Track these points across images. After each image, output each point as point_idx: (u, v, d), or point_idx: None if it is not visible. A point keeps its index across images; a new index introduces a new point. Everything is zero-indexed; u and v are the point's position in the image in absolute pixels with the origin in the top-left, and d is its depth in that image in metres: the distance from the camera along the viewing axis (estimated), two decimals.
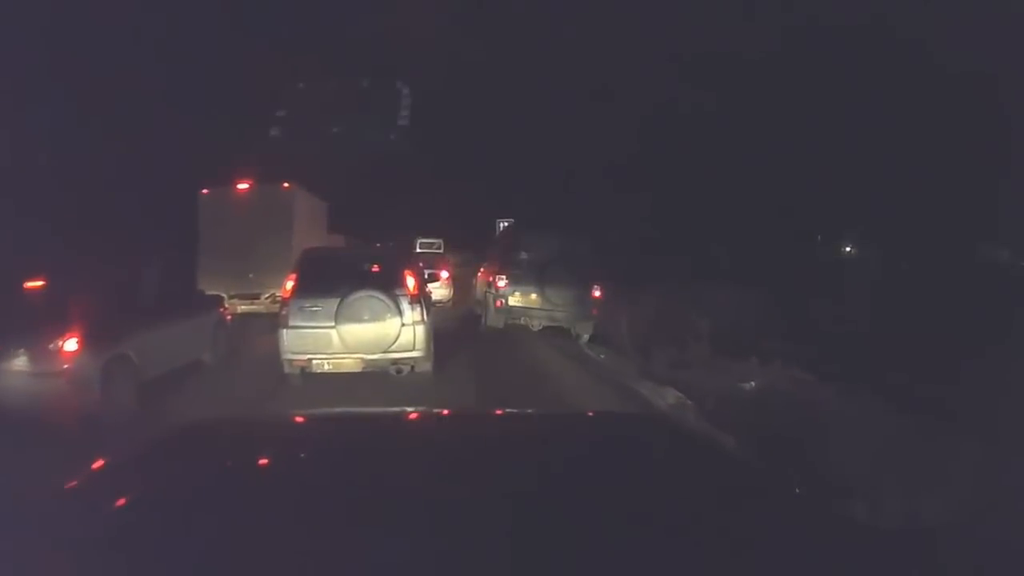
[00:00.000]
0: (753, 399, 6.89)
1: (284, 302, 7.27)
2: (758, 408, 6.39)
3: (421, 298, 7.41)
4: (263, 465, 1.70)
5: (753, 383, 7.51)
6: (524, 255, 11.26)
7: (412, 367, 7.29)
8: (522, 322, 11.14)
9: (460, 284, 17.27)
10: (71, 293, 6.26)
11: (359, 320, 6.97)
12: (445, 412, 2.64)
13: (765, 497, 1.51)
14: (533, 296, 10.85)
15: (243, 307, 11.96)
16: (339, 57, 21.77)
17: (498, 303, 11.08)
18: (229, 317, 9.36)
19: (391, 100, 16.03)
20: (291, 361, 7.08)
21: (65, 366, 5.69)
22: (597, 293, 10.82)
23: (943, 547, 1.32)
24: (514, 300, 10.98)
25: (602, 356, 9.32)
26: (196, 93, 19.15)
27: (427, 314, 7.41)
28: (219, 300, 9.27)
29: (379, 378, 7.18)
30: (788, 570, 1.12)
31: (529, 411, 2.83)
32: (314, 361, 7.04)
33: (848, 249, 27.45)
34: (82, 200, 13.52)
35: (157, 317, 7.10)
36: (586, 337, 11.04)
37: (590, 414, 3.46)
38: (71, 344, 5.75)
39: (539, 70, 24.24)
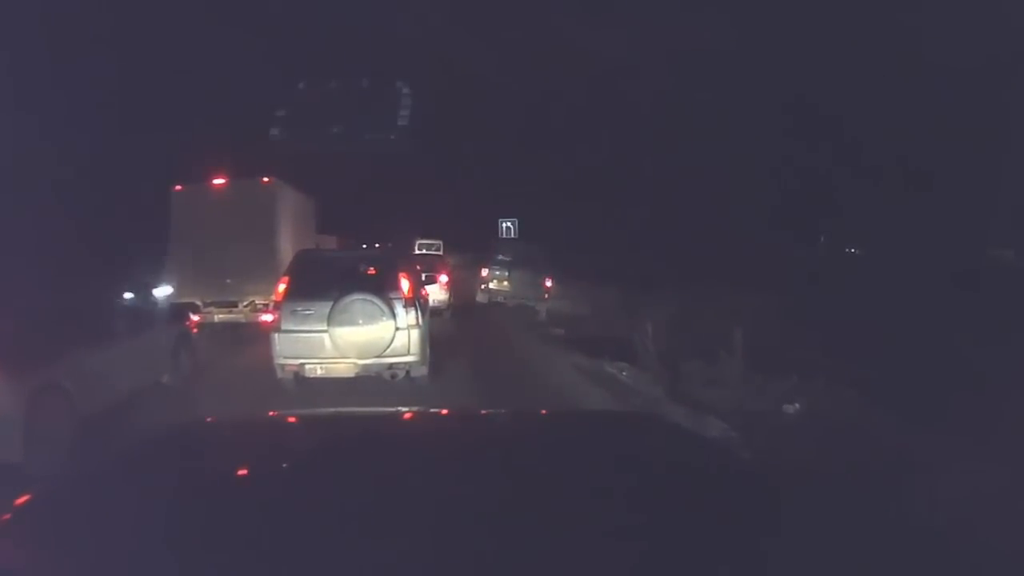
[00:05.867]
0: (803, 427, 5.95)
1: (276, 305, 7.21)
2: (811, 440, 5.43)
3: (416, 301, 7.30)
4: (258, 465, 1.62)
5: (797, 405, 6.63)
6: (500, 257, 16.54)
7: (407, 372, 7.16)
8: (499, 300, 16.02)
9: (461, 288, 16.42)
10: None
11: (352, 324, 6.84)
12: (443, 412, 2.72)
13: (765, 495, 1.48)
14: (505, 283, 16.02)
15: (220, 316, 10.93)
16: (339, 57, 21.41)
17: (482, 287, 16.46)
18: (195, 330, 8.28)
19: (391, 100, 15.94)
20: (283, 366, 6.98)
21: None
22: (548, 283, 15.67)
23: (949, 547, 1.30)
24: (493, 285, 16.20)
25: (624, 373, 8.32)
26: (190, 90, 18.54)
27: (422, 318, 7.33)
28: (184, 310, 8.23)
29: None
30: (788, 567, 1.09)
31: (527, 410, 2.84)
32: (307, 366, 6.94)
33: (852, 250, 26.88)
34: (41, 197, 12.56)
35: (102, 334, 5.92)
36: (544, 313, 15.30)
37: (589, 413, 3.62)
38: None
39: (539, 69, 23.88)
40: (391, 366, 7.02)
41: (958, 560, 1.21)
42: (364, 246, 17.11)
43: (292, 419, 2.33)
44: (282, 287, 7.22)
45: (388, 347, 6.87)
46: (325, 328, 6.78)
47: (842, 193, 22.03)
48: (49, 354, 5.11)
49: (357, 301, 6.82)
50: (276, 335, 6.96)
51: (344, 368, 6.91)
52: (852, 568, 1.10)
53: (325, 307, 6.81)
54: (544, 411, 3.25)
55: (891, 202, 20.39)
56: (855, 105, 20.48)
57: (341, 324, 6.77)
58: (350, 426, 2.08)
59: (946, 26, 16.06)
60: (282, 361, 6.94)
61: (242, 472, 1.61)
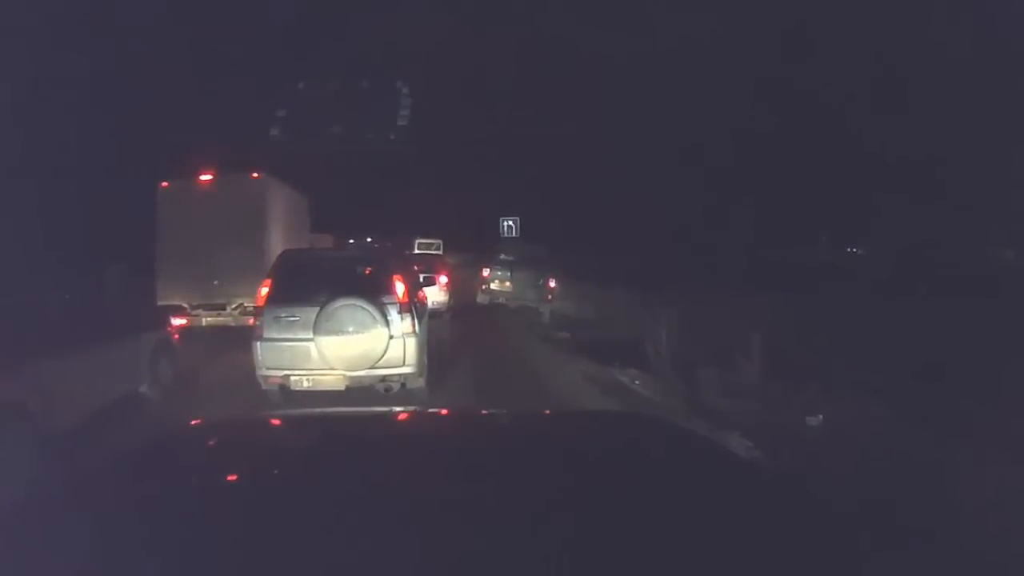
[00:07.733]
0: (832, 445, 5.45)
1: (258, 311, 6.65)
2: (843, 462, 4.94)
3: (412, 306, 6.72)
4: (249, 469, 1.56)
5: (821, 417, 6.13)
6: (502, 256, 15.92)
7: (403, 384, 6.59)
8: (501, 301, 15.48)
9: (461, 289, 15.98)
10: None
11: (341, 332, 6.26)
12: (443, 411, 2.74)
13: (765, 496, 1.45)
14: (507, 284, 15.35)
15: (208, 319, 10.48)
16: (339, 57, 21.11)
17: (483, 287, 15.80)
18: (177, 336, 7.75)
19: (391, 100, 15.95)
20: (267, 378, 6.43)
21: None
22: (552, 284, 15.08)
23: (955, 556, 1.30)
24: (494, 286, 15.56)
25: (636, 382, 7.84)
26: (188, 89, 18.22)
27: (419, 324, 6.76)
28: (164, 314, 7.76)
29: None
30: (787, 567, 1.09)
31: (525, 411, 2.81)
32: (292, 378, 6.37)
33: (853, 249, 26.60)
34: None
35: (71, 342, 5.37)
36: (547, 315, 14.81)
37: (589, 413, 3.59)
38: None
39: (539, 68, 23.70)
40: (384, 378, 6.46)
41: None
42: (351, 241, 16.49)
43: (286, 420, 2.26)
44: (264, 291, 6.64)
45: (381, 358, 6.31)
46: (311, 336, 6.22)
47: (843, 191, 21.73)
48: (9, 370, 4.56)
49: (346, 307, 6.25)
50: (258, 344, 6.40)
51: (333, 380, 6.34)
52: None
53: (311, 313, 6.24)
54: (544, 411, 3.20)
55: (892, 201, 20.08)
56: (856, 99, 20.22)
57: (328, 332, 6.21)
58: (345, 427, 2.05)
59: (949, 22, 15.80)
60: (265, 372, 6.39)
61: (243, 471, 1.56)
